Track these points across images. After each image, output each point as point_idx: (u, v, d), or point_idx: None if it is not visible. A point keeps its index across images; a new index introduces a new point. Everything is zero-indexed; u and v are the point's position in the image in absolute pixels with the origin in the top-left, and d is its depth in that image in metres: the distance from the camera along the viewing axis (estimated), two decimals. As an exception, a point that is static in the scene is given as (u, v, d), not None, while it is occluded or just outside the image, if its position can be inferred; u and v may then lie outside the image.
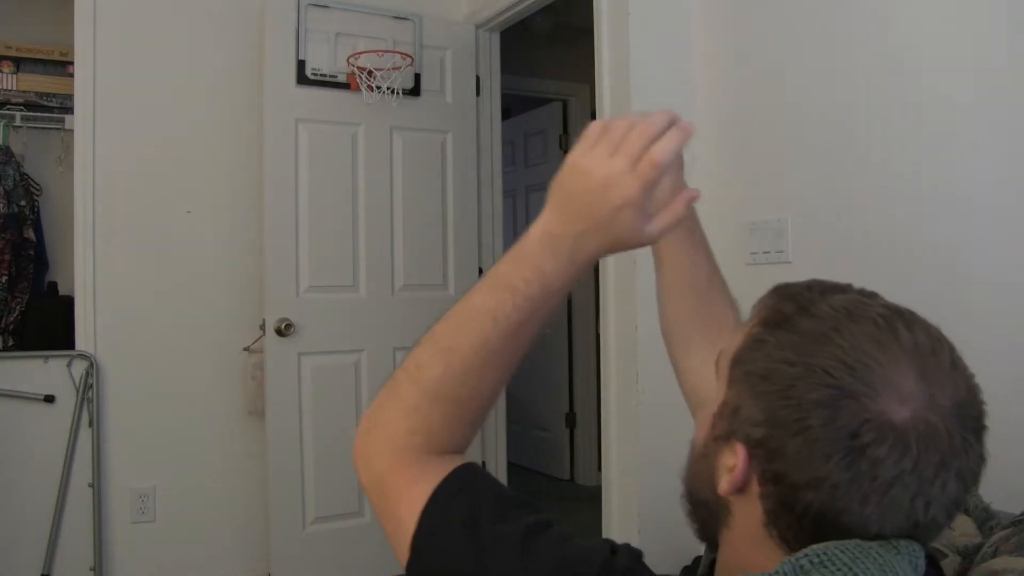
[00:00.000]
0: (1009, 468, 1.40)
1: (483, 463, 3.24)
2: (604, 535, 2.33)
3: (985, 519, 1.09)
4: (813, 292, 0.66)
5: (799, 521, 0.61)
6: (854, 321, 0.61)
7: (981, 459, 0.62)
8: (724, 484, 0.65)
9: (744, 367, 0.65)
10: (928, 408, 0.59)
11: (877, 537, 0.60)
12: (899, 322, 0.62)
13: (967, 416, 0.61)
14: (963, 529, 1.07)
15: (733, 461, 0.64)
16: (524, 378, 4.67)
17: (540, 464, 4.67)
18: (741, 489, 0.64)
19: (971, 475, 0.61)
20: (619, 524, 2.26)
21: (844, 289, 0.67)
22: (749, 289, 0.81)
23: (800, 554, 0.60)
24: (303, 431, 2.85)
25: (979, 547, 1.01)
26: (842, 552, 0.59)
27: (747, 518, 0.65)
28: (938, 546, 1.03)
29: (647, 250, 0.83)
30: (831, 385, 0.59)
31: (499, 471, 3.32)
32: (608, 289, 2.30)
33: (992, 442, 0.63)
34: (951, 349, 0.63)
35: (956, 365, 0.62)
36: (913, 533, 0.61)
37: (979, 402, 0.62)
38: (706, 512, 0.70)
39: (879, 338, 0.60)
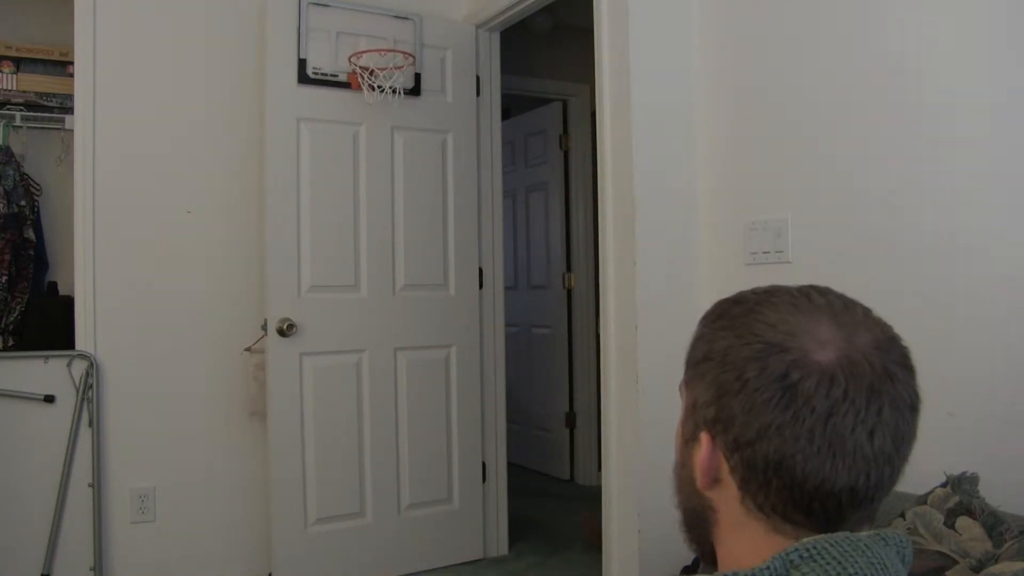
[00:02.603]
0: (1016, 469, 1.40)
1: (483, 463, 3.24)
2: (604, 535, 2.33)
3: (994, 524, 1.08)
4: (743, 292, 0.73)
5: (764, 477, 0.65)
6: (774, 296, 0.69)
7: (915, 393, 0.66)
8: (699, 478, 0.70)
9: (691, 363, 0.72)
10: (848, 348, 0.64)
11: (833, 475, 0.63)
12: (812, 291, 0.70)
13: (889, 351, 0.65)
14: (970, 534, 1.06)
15: (701, 453, 0.69)
16: (524, 378, 4.68)
17: (540, 464, 4.67)
18: (716, 478, 0.68)
19: (905, 404, 0.65)
20: (619, 524, 2.26)
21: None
22: (750, 289, 0.82)
23: (790, 548, 0.62)
24: (304, 431, 2.85)
25: (992, 557, 1.01)
26: (831, 546, 0.61)
27: (727, 505, 0.69)
28: (946, 551, 1.02)
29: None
30: (758, 342, 0.65)
31: (499, 471, 3.32)
32: (608, 289, 2.30)
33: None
34: (865, 308, 0.69)
35: (870, 317, 0.68)
36: (869, 470, 0.64)
37: (900, 345, 0.67)
38: (697, 520, 0.73)
39: (795, 303, 0.68)
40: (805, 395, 0.63)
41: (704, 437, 0.68)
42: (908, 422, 0.65)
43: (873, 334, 0.66)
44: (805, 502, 0.64)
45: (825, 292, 0.70)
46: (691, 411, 0.71)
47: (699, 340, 0.72)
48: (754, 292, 0.72)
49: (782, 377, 0.63)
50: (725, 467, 0.67)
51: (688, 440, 0.72)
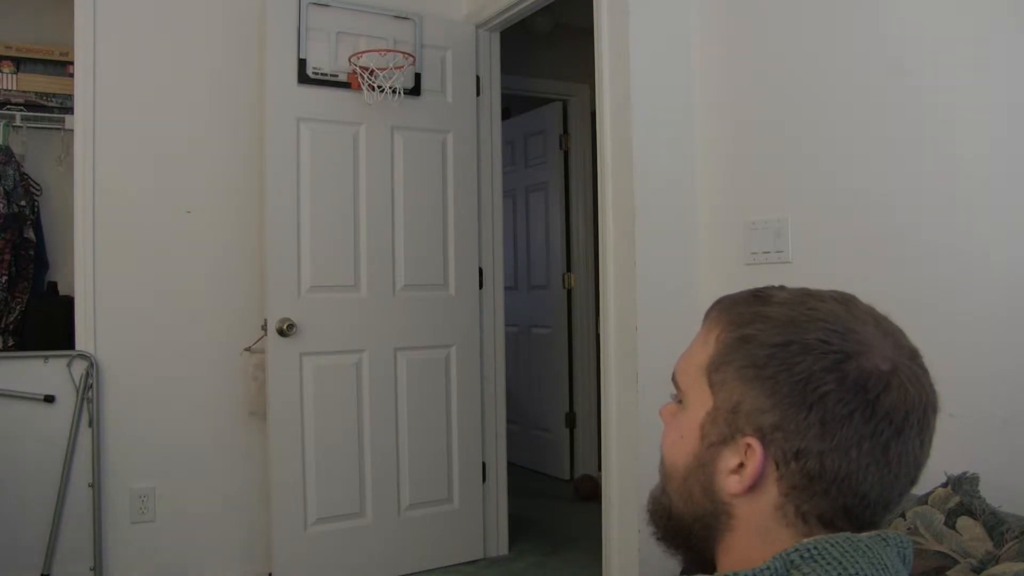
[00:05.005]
0: (1017, 469, 1.40)
1: (483, 464, 3.24)
2: (604, 535, 2.33)
3: (994, 524, 1.07)
4: (754, 295, 0.71)
5: (823, 487, 0.63)
6: (819, 299, 0.67)
7: (937, 395, 0.68)
8: (735, 484, 0.66)
9: (733, 366, 0.67)
10: (896, 356, 0.65)
11: (891, 485, 0.63)
12: (849, 297, 0.69)
13: (916, 358, 0.67)
14: (971, 534, 1.06)
15: (738, 459, 0.66)
16: (524, 378, 4.68)
17: (540, 464, 4.67)
18: (755, 484, 0.65)
19: (936, 409, 0.67)
20: (619, 524, 2.26)
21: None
22: (750, 289, 0.81)
23: (791, 548, 0.61)
24: (304, 431, 2.85)
25: (993, 557, 1.00)
26: (832, 546, 0.60)
27: (754, 512, 0.66)
28: (947, 551, 1.02)
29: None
30: (832, 351, 0.63)
31: (499, 471, 3.32)
32: (608, 289, 2.30)
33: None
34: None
35: (891, 324, 0.69)
36: (916, 476, 0.65)
37: (917, 349, 0.69)
38: (700, 526, 0.70)
39: (846, 308, 0.67)
40: (884, 409, 0.62)
41: (754, 443, 0.65)
42: (934, 426, 0.66)
43: (904, 341, 0.67)
44: (858, 511, 0.64)
45: (853, 297, 0.69)
46: (728, 415, 0.67)
47: (738, 344, 0.67)
48: (784, 296, 0.69)
49: (863, 390, 0.62)
50: (773, 474, 0.65)
51: (715, 444, 0.67)
